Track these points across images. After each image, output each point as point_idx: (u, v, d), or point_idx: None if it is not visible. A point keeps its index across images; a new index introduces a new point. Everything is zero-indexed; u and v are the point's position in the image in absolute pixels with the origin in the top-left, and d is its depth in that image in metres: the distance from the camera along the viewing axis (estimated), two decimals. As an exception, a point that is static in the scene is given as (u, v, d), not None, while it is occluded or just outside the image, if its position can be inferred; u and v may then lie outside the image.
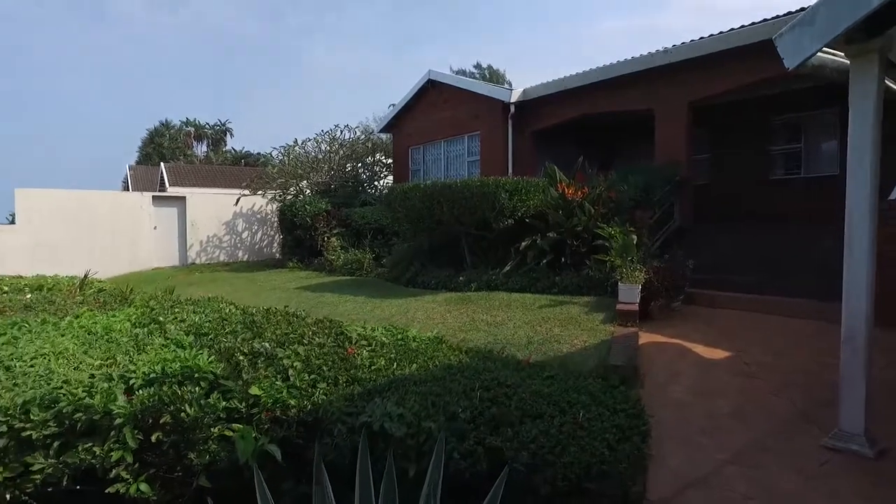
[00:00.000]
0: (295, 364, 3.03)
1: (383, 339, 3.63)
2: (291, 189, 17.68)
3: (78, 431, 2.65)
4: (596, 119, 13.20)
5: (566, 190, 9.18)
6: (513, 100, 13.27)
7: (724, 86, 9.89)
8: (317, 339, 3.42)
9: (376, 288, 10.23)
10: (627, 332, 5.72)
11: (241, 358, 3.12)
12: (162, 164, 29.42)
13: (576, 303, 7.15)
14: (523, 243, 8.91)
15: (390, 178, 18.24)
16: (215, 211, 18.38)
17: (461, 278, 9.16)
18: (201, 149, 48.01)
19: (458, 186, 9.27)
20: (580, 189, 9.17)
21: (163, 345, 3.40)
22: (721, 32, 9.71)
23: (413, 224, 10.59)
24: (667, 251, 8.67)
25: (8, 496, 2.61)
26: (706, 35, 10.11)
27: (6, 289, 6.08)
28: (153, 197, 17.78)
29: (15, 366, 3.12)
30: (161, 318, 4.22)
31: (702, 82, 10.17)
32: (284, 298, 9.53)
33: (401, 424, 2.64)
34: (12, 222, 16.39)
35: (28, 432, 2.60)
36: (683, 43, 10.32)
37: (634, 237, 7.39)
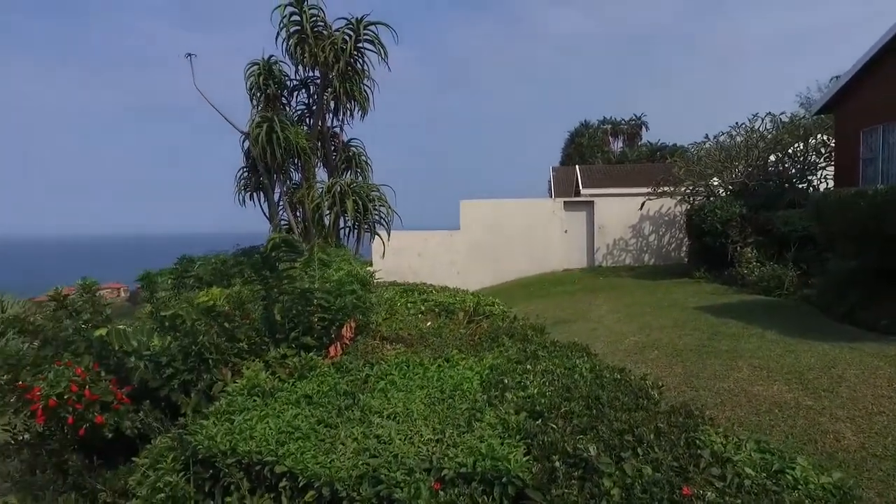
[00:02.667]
0: (612, 492, 2.46)
1: (747, 468, 2.59)
2: (701, 190, 16.15)
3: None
4: None
5: None
6: None
7: None
8: (654, 451, 2.71)
9: (796, 319, 8.25)
10: None
11: (557, 464, 2.75)
12: (577, 166, 31.36)
13: None
14: None
15: (830, 170, 14.63)
16: (622, 214, 18.41)
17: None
18: (617, 145, 49.33)
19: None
20: None
21: (490, 424, 3.34)
22: None
23: (855, 242, 8.09)
24: None
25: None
26: None
27: (422, 307, 7.28)
28: (564, 203, 19.07)
29: (373, 421, 3.58)
30: (505, 381, 4.22)
31: None
32: (679, 322, 8.65)
33: None
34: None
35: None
36: None
37: None
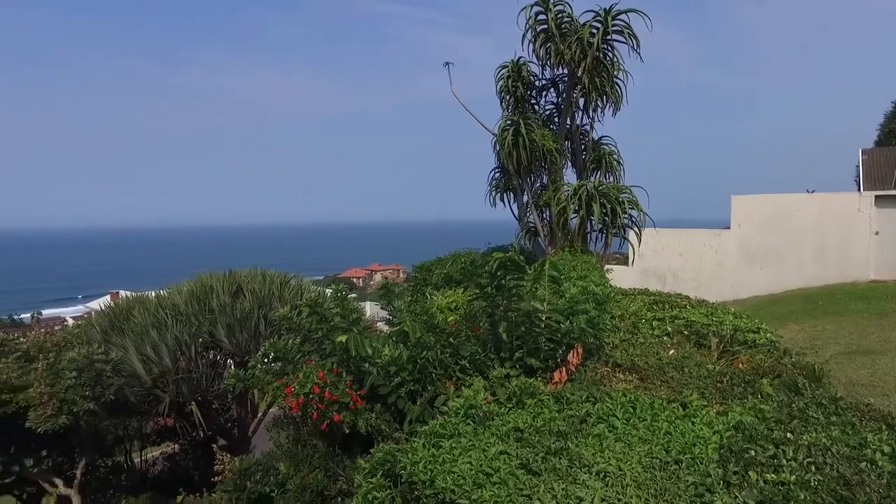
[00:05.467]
0: None
1: None
2: None
3: None
4: None
5: None
6: None
7: None
8: None
9: None
10: None
11: None
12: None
13: None
14: None
15: None
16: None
17: None
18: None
19: None
20: None
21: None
22: None
23: None
24: None
25: None
26: None
27: (668, 328, 6.38)
28: (876, 197, 15.00)
29: (579, 477, 3.15)
30: (752, 452, 3.28)
31: None
32: None
33: None
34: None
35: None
36: None
37: None
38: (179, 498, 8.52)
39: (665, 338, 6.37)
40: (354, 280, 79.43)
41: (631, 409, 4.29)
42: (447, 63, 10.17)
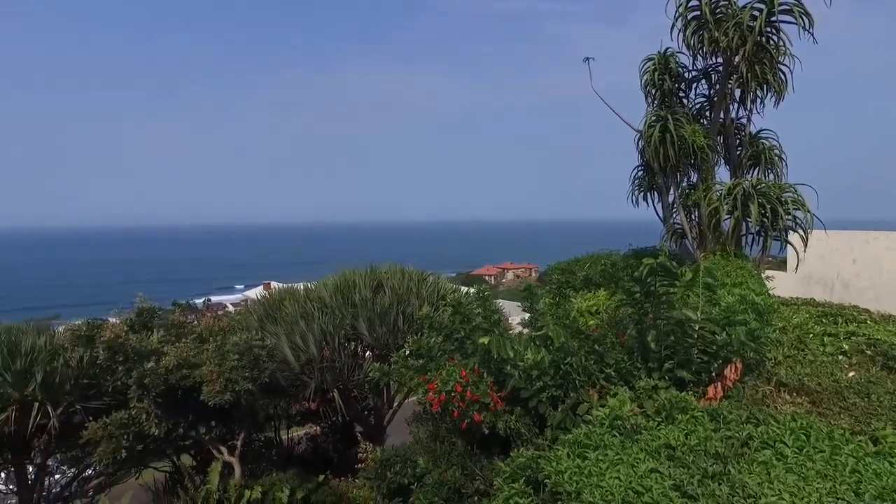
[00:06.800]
0: None
1: None
2: None
3: None
4: None
5: None
6: None
7: None
8: None
9: None
10: None
11: None
12: None
13: None
14: None
15: None
16: None
17: None
18: None
19: None
20: None
21: None
22: None
23: None
24: None
25: None
26: None
27: (845, 345, 5.57)
28: None
29: None
30: None
31: None
32: None
33: None
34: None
35: None
36: None
37: None
38: (321, 477, 9.10)
39: (840, 357, 5.61)
40: (487, 278, 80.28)
41: (803, 437, 3.82)
42: (587, 58, 9.86)
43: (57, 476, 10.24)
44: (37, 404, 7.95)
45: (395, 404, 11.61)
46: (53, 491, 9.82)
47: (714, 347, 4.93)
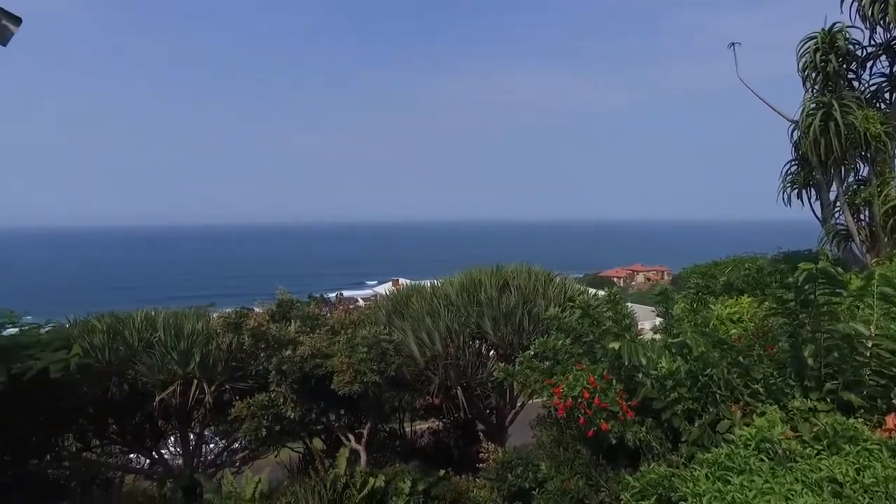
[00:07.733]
0: None
1: None
2: None
3: None
4: None
5: None
6: None
7: None
8: None
9: None
10: None
11: None
12: None
13: None
14: None
15: None
16: None
17: None
18: None
19: None
20: None
21: None
22: None
23: None
24: None
25: None
26: None
27: None
28: None
29: None
30: None
31: None
32: None
33: None
34: None
35: None
36: None
37: None
38: (442, 472, 9.20)
39: None
40: (615, 280, 77.30)
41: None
42: (732, 44, 9.01)
43: (211, 445, 11.41)
44: (196, 381, 8.90)
45: (518, 405, 11.45)
46: (209, 458, 10.96)
47: (894, 370, 4.21)
